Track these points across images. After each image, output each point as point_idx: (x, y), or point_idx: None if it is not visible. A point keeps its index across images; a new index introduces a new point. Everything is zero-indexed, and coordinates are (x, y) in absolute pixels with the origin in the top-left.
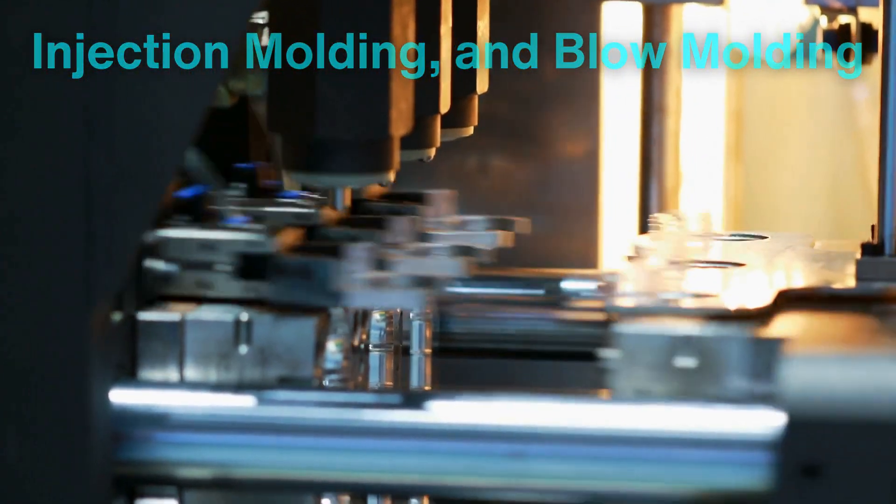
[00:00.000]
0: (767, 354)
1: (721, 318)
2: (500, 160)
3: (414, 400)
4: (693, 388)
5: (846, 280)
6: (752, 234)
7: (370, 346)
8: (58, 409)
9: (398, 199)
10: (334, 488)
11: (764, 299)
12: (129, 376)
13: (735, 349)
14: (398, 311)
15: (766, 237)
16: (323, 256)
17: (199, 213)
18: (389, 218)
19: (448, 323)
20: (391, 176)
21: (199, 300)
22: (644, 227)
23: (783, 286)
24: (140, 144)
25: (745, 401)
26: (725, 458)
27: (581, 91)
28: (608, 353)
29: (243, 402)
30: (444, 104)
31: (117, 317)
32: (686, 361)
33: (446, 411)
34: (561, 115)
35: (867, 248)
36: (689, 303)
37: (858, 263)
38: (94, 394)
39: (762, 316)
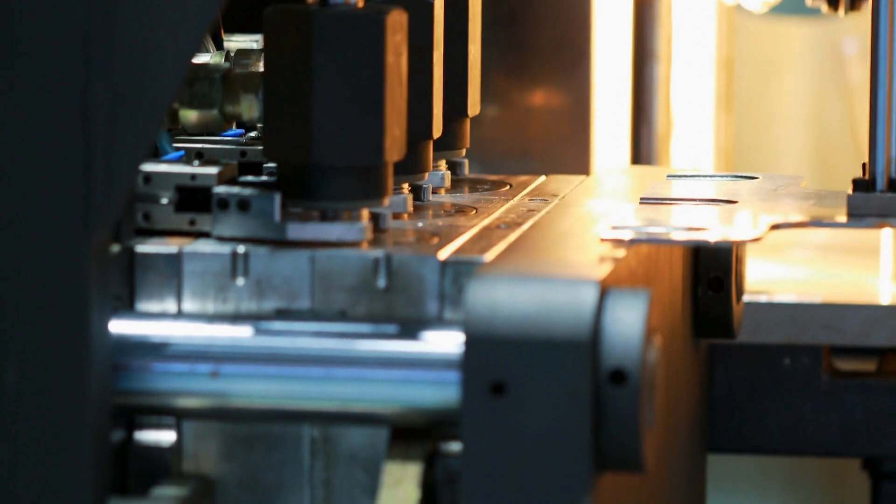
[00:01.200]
0: (460, 277)
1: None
2: (490, 109)
3: (410, 330)
4: (391, 309)
5: (838, 216)
6: (743, 174)
7: None
8: (57, 339)
9: None
10: (331, 418)
11: (756, 233)
12: (127, 308)
13: (429, 271)
14: None
15: (756, 178)
16: (264, 190)
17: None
18: None
19: None
20: (386, 201)
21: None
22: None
23: (775, 221)
24: (138, 70)
25: (437, 322)
26: (419, 378)
27: (572, 38)
28: None
29: (241, 333)
30: (437, 129)
31: (115, 248)
32: (380, 282)
33: (441, 340)
34: (551, 62)
35: (858, 184)
36: (680, 235)
37: (850, 199)
38: (92, 324)
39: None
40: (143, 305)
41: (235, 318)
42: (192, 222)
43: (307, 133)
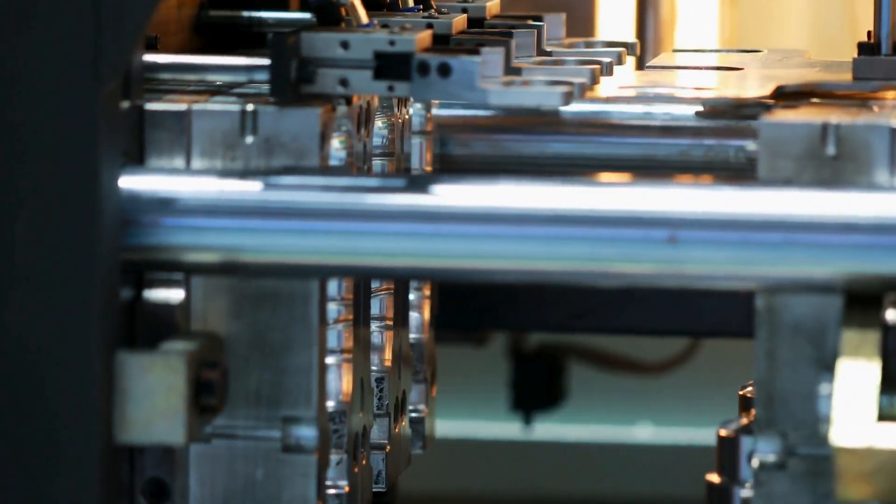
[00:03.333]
0: None
1: (720, 107)
2: None
3: (419, 183)
4: (838, 177)
5: (843, 80)
6: (748, 49)
7: (373, 153)
8: (67, 192)
9: (514, 19)
10: (340, 272)
11: (762, 92)
12: (137, 164)
13: (879, 138)
14: (400, 121)
15: (761, 51)
16: (466, 55)
17: (330, 18)
18: (515, 31)
19: (448, 145)
20: None
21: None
22: (641, 64)
23: (781, 83)
24: None
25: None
26: (877, 242)
27: None
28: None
29: (250, 187)
30: None
31: (125, 104)
32: (830, 150)
33: (451, 194)
34: None
35: (863, 48)
36: (687, 93)
37: (855, 62)
38: (102, 177)
39: (761, 107)
40: (153, 163)
41: (245, 172)
42: (391, 88)
43: None
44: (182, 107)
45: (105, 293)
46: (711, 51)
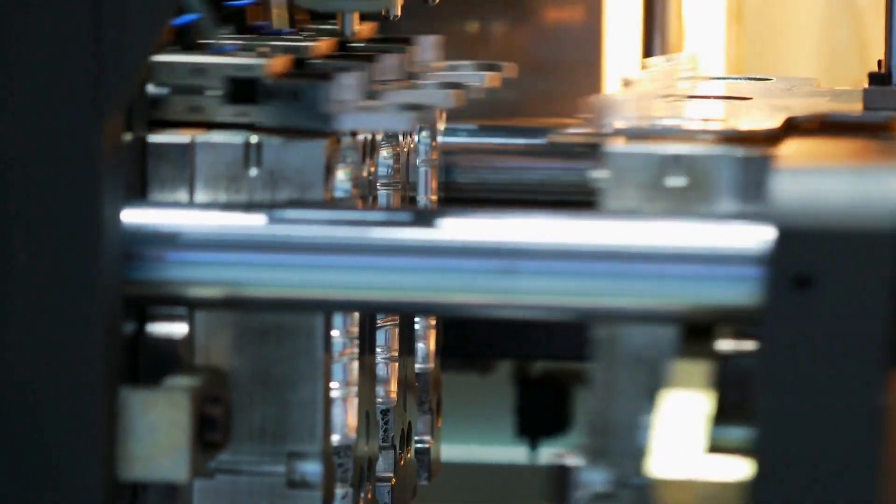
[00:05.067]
0: (757, 172)
1: (729, 140)
2: (500, 24)
3: (424, 218)
4: (684, 207)
5: (853, 111)
6: (757, 76)
7: (378, 183)
8: (69, 227)
9: (386, 42)
10: (345, 307)
11: (772, 124)
12: (140, 198)
13: (725, 168)
14: (405, 150)
15: (770, 79)
16: (313, 80)
17: (190, 42)
18: (378, 55)
19: (453, 172)
20: (398, 3)
21: (191, 125)
22: None
23: (791, 114)
24: None
25: (735, 216)
26: (717, 273)
27: None
28: (598, 174)
29: (254, 221)
30: None
31: (128, 137)
32: (676, 181)
33: (456, 229)
34: None
35: (874, 78)
36: (695, 126)
37: (866, 92)
38: (105, 212)
39: (771, 140)
40: (156, 196)
41: (249, 205)
42: (242, 114)
43: None
44: (186, 139)
45: (107, 328)
46: (720, 78)
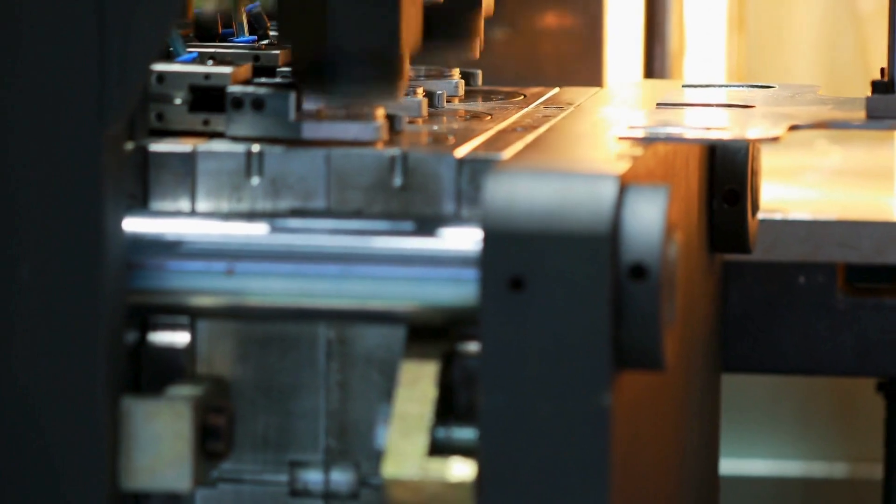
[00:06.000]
0: (477, 175)
1: None
2: (502, 29)
3: (426, 227)
4: (407, 208)
5: (857, 118)
6: (759, 84)
7: None
8: (71, 236)
9: None
10: (346, 316)
11: (774, 132)
12: (141, 207)
13: (445, 170)
14: None
15: (772, 87)
16: (279, 90)
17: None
18: None
19: None
20: (401, 93)
21: (157, 133)
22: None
23: (794, 122)
24: None
25: (454, 219)
26: (436, 275)
27: None
28: None
29: (256, 230)
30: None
31: (129, 146)
32: (396, 181)
33: (458, 238)
34: None
35: (877, 86)
36: (697, 133)
37: (869, 101)
38: (107, 220)
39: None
40: (157, 205)
41: (251, 215)
42: (206, 122)
43: (322, 18)
44: (187, 148)
45: (110, 337)
46: (722, 86)
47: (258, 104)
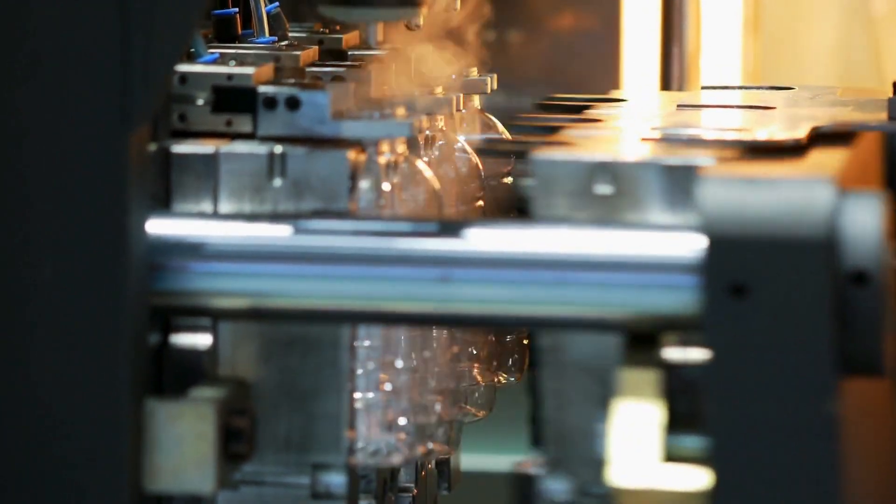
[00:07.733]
0: (685, 181)
1: (756, 150)
2: (518, 32)
3: (450, 228)
4: (612, 215)
5: (878, 120)
6: (778, 86)
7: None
8: (95, 238)
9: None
10: (370, 319)
11: (799, 134)
12: (164, 208)
13: (653, 176)
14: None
15: (792, 88)
16: (308, 89)
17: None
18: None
19: None
20: (421, 14)
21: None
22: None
23: (816, 124)
24: None
25: (668, 225)
26: (655, 282)
27: None
28: (527, 181)
29: (279, 232)
30: None
31: (153, 147)
32: (604, 189)
33: (484, 239)
34: None
35: None
36: (716, 135)
37: (890, 102)
38: (130, 222)
39: (798, 149)
40: (180, 207)
41: (274, 216)
42: (229, 123)
43: None
44: (210, 149)
45: (133, 338)
46: (740, 87)
47: (293, 103)
